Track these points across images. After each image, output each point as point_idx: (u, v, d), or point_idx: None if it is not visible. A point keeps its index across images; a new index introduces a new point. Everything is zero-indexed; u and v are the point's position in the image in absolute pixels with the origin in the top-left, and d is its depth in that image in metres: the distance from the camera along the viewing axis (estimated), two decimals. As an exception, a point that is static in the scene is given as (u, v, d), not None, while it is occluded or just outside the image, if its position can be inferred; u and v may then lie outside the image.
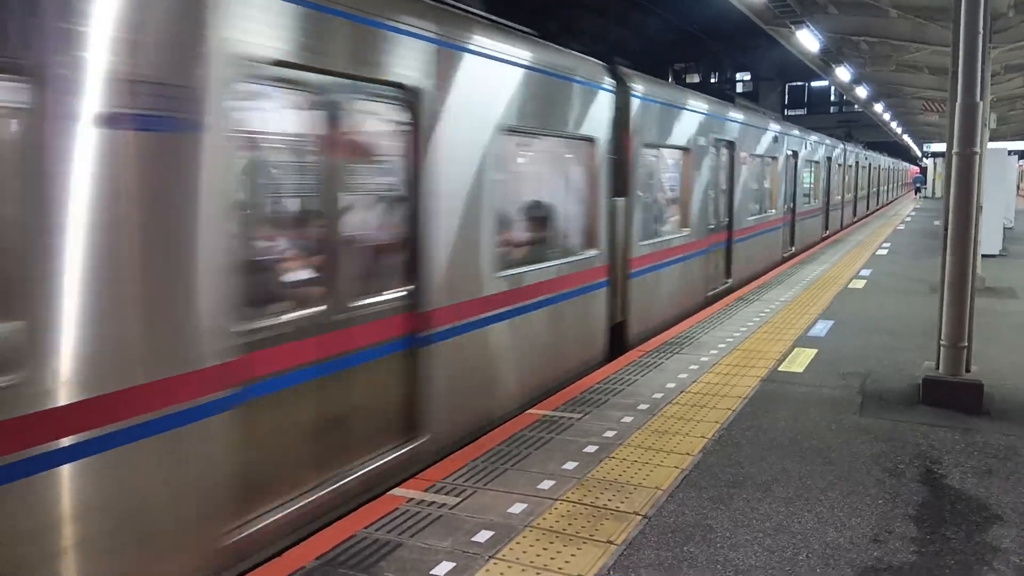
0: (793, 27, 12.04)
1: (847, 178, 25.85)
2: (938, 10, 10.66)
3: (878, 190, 40.63)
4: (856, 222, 28.07)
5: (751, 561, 3.62)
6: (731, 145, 11.45)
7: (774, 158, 14.65)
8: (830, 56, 15.03)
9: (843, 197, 25.06)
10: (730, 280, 11.72)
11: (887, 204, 44.67)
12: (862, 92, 20.97)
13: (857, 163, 28.67)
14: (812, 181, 19.59)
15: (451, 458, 4.85)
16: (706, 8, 23.64)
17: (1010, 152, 19.97)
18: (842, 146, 24.38)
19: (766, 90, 46.44)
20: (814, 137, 19.64)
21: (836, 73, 16.54)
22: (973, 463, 4.83)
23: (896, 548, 3.75)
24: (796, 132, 17.14)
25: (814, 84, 52.68)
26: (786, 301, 10.62)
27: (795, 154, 16.49)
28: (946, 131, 6.10)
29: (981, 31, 5.77)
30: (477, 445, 5.06)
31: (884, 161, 43.43)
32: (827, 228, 21.59)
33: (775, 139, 14.55)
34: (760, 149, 13.57)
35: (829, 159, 21.38)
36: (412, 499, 4.24)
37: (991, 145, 13.64)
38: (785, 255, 16.02)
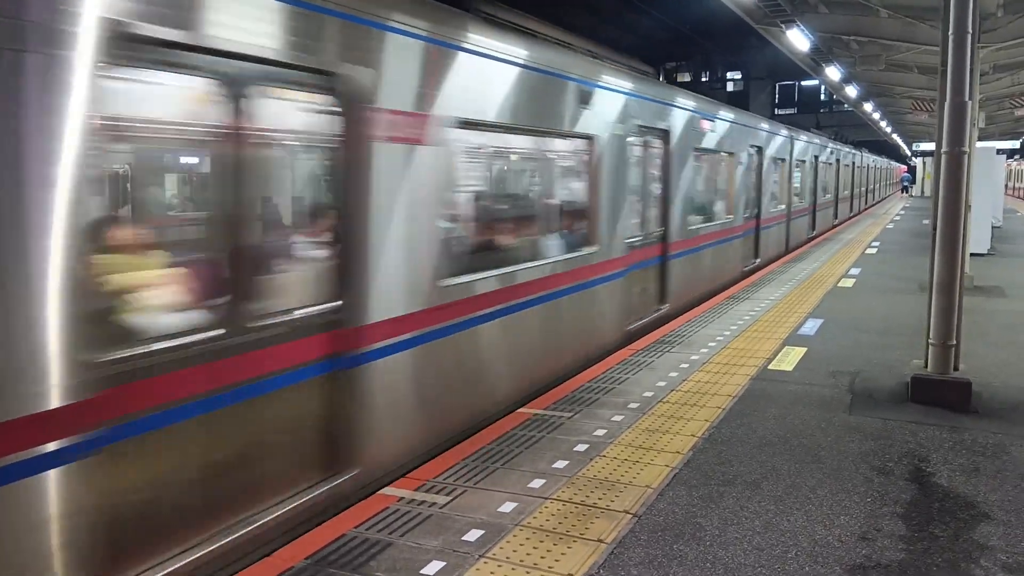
0: (784, 26, 12.08)
1: (802, 180, 18.80)
2: (928, 10, 10.72)
3: (851, 194, 30.09)
4: (815, 238, 20.74)
5: (740, 559, 3.63)
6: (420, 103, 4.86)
7: (625, 142, 7.96)
8: (820, 55, 15.10)
9: (790, 207, 17.43)
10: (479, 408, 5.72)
11: (870, 207, 38.37)
12: (852, 91, 21.06)
13: (817, 159, 20.77)
14: (733, 186, 12.73)
15: (441, 457, 4.85)
16: (697, 7, 23.66)
17: (998, 151, 20.14)
18: (785, 134, 16.69)
19: (756, 89, 46.55)
20: (742, 119, 13.29)
21: (826, 72, 16.60)
22: (961, 461, 4.86)
23: (884, 546, 3.77)
24: (688, 104, 10.17)
25: (804, 83, 52.89)
26: (776, 300, 10.66)
27: (667, 135, 9.33)
28: (935, 130, 6.13)
29: (970, 31, 5.81)
30: (468, 443, 5.06)
31: (867, 159, 36.64)
32: (757, 255, 14.53)
33: (624, 108, 7.86)
34: (567, 121, 6.82)
35: (760, 150, 14.30)
36: (402, 498, 4.24)
37: (979, 144, 13.74)
38: (645, 319, 8.84)
